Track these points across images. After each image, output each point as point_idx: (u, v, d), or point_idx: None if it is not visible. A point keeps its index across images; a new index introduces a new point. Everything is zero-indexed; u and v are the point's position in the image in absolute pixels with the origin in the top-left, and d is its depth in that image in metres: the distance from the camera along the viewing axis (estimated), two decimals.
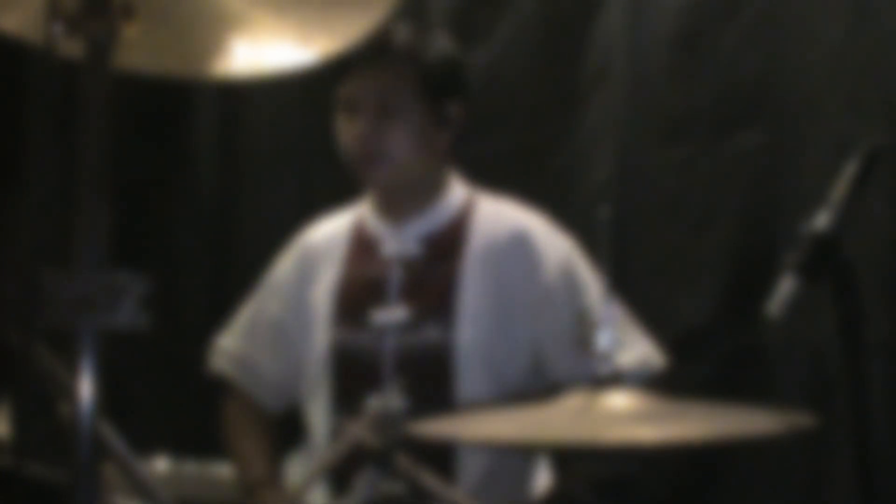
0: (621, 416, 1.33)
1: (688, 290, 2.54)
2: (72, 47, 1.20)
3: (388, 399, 2.07)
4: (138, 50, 1.27)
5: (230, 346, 2.32)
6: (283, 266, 2.30)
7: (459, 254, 2.16)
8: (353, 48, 2.03)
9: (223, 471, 2.06)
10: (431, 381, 2.09)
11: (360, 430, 1.89)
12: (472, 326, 2.11)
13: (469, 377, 2.09)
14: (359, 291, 2.18)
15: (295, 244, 2.31)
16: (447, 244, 2.18)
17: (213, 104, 3.13)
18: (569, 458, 2.14)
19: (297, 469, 2.24)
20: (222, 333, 2.34)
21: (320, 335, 2.19)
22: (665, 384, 1.40)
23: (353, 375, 2.14)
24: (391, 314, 2.13)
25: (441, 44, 2.19)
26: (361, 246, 2.24)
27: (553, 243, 2.18)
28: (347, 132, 2.15)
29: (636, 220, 2.57)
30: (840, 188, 1.56)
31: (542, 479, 2.20)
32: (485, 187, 2.27)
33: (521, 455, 2.16)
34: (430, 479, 1.71)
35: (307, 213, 2.36)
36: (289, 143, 3.05)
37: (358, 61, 2.11)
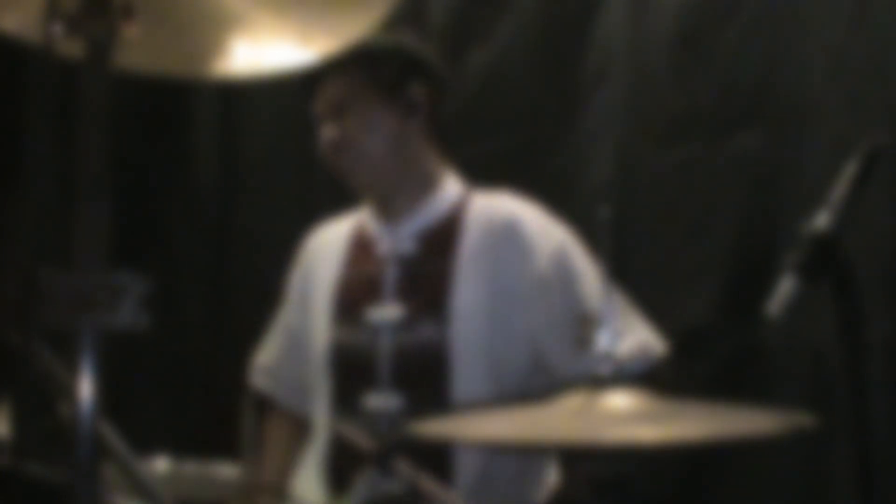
0: (621, 415, 1.33)
1: (688, 290, 2.53)
2: (72, 47, 1.20)
3: (384, 400, 2.07)
4: (138, 50, 1.27)
5: (264, 361, 2.40)
6: (292, 273, 2.36)
7: (453, 250, 2.16)
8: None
9: (223, 471, 2.06)
10: (428, 379, 2.09)
11: (355, 435, 1.89)
12: (468, 323, 2.10)
13: (467, 374, 2.08)
14: (356, 290, 2.20)
15: (300, 250, 2.35)
16: (441, 240, 2.18)
17: (213, 104, 3.14)
18: (568, 459, 2.14)
19: (302, 469, 2.24)
20: (259, 350, 2.41)
21: (321, 335, 2.21)
22: (665, 383, 1.40)
23: (350, 374, 2.15)
24: (386, 312, 2.13)
25: (387, 37, 2.18)
26: (359, 246, 2.25)
27: (545, 232, 2.16)
28: (318, 145, 2.20)
29: (636, 220, 2.57)
30: (840, 188, 1.56)
31: (552, 482, 2.19)
32: (485, 187, 2.27)
33: (518, 456, 2.16)
34: (428, 483, 1.71)
35: (307, 214, 2.37)
36: (289, 144, 3.05)
37: (316, 80, 2.18)
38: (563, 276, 2.13)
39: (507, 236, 2.15)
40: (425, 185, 2.22)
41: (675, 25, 2.59)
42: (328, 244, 2.29)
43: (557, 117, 2.73)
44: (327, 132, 2.18)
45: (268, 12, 1.38)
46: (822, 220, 1.53)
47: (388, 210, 2.22)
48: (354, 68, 2.15)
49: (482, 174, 2.30)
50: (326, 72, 2.15)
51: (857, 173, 1.57)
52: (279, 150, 3.07)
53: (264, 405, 2.39)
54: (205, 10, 1.36)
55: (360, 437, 1.85)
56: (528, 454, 2.16)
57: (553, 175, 2.71)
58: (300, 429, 2.33)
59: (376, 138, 2.17)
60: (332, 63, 2.10)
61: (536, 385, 2.12)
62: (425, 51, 2.27)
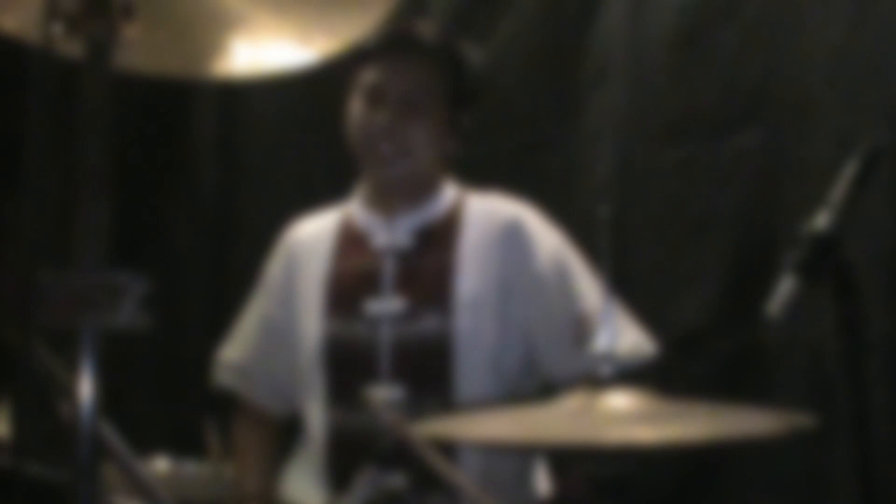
0: (621, 416, 1.33)
1: (688, 290, 2.54)
2: (72, 47, 1.20)
3: (385, 392, 2.06)
4: (138, 50, 1.27)
5: (232, 357, 2.33)
6: (272, 266, 2.31)
7: (454, 244, 2.16)
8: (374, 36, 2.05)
9: (223, 471, 2.06)
10: (431, 371, 2.08)
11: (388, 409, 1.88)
12: (471, 315, 2.10)
13: (469, 366, 2.08)
14: (351, 283, 2.17)
15: (281, 243, 2.31)
16: (441, 235, 2.18)
17: (213, 104, 3.13)
18: (568, 459, 2.14)
19: (297, 470, 2.23)
20: (224, 345, 2.35)
21: (311, 328, 2.17)
22: (664, 384, 1.40)
23: (348, 367, 2.13)
24: (386, 304, 2.12)
25: (474, 53, 2.18)
26: (350, 239, 2.23)
27: (545, 234, 2.19)
28: (366, 121, 2.13)
29: (636, 220, 2.57)
30: (840, 188, 1.56)
31: (542, 484, 2.19)
32: (484, 187, 2.27)
33: (518, 455, 2.16)
34: (438, 461, 1.68)
35: (307, 212, 2.37)
36: (289, 143, 3.05)
37: (387, 49, 2.11)
38: (562, 277, 2.15)
39: (511, 234, 2.16)
40: (428, 187, 2.22)
41: (675, 25, 2.59)
42: (314, 238, 2.26)
43: (557, 117, 2.73)
44: (383, 116, 2.12)
45: (268, 12, 1.38)
46: (822, 220, 1.53)
47: (387, 204, 2.20)
48: (440, 67, 2.12)
49: (482, 174, 2.30)
50: (402, 49, 2.11)
51: (857, 173, 1.57)
52: (279, 149, 3.07)
53: (230, 402, 2.34)
54: (205, 10, 1.36)
55: (394, 412, 1.85)
56: (529, 453, 2.16)
57: (553, 175, 2.71)
58: (272, 429, 2.31)
59: (430, 145, 2.16)
60: (410, 44, 2.09)
61: (529, 384, 2.13)
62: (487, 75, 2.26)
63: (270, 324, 2.28)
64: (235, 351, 2.33)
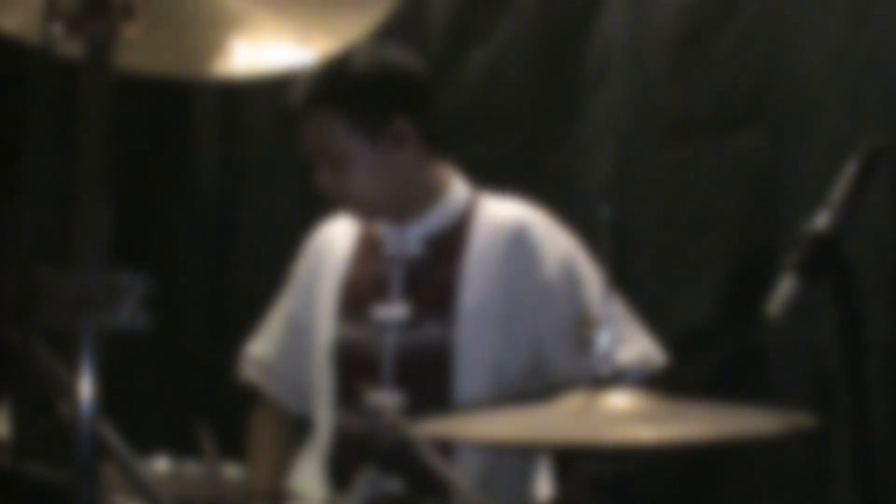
0: (621, 415, 1.33)
1: (688, 290, 2.53)
2: (72, 47, 1.20)
3: (384, 397, 2.07)
4: (138, 50, 1.27)
5: (258, 353, 2.35)
6: (300, 265, 2.33)
7: (461, 252, 2.16)
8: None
9: (224, 471, 2.06)
10: (431, 378, 2.09)
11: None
12: (473, 325, 2.10)
13: (469, 376, 2.09)
14: (362, 288, 2.19)
15: (310, 241, 2.33)
16: (449, 243, 2.18)
17: (213, 104, 3.14)
18: (569, 459, 2.14)
19: (303, 467, 2.24)
20: (251, 340, 2.37)
21: (325, 330, 2.20)
22: (665, 384, 1.40)
23: (353, 371, 2.14)
24: (391, 311, 2.14)
25: (362, 68, 2.08)
26: (367, 245, 2.25)
27: (554, 240, 2.18)
28: (317, 186, 2.17)
29: (636, 220, 2.57)
30: (840, 188, 1.56)
31: (543, 488, 2.19)
32: (485, 187, 2.27)
33: (519, 455, 2.16)
34: (437, 461, 1.68)
35: (307, 213, 2.37)
36: (289, 144, 3.05)
37: (292, 114, 2.13)
38: (570, 283, 2.14)
39: (516, 243, 2.15)
40: (431, 195, 2.20)
41: (675, 25, 2.59)
42: (337, 240, 2.28)
43: (557, 117, 2.73)
44: (320, 177, 2.15)
45: (268, 12, 1.38)
46: (822, 220, 1.53)
47: (397, 217, 2.21)
48: (333, 106, 2.09)
49: (483, 174, 2.30)
50: (304, 106, 2.11)
51: (857, 173, 1.57)
52: (279, 150, 3.07)
53: (253, 396, 2.36)
54: (205, 10, 1.36)
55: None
56: (529, 454, 2.16)
57: (553, 175, 2.71)
58: (289, 427, 2.32)
59: (368, 184, 2.13)
60: (308, 96, 2.09)
61: (533, 386, 2.12)
62: (406, 68, 2.16)
63: (294, 322, 2.30)
64: (261, 346, 2.35)
